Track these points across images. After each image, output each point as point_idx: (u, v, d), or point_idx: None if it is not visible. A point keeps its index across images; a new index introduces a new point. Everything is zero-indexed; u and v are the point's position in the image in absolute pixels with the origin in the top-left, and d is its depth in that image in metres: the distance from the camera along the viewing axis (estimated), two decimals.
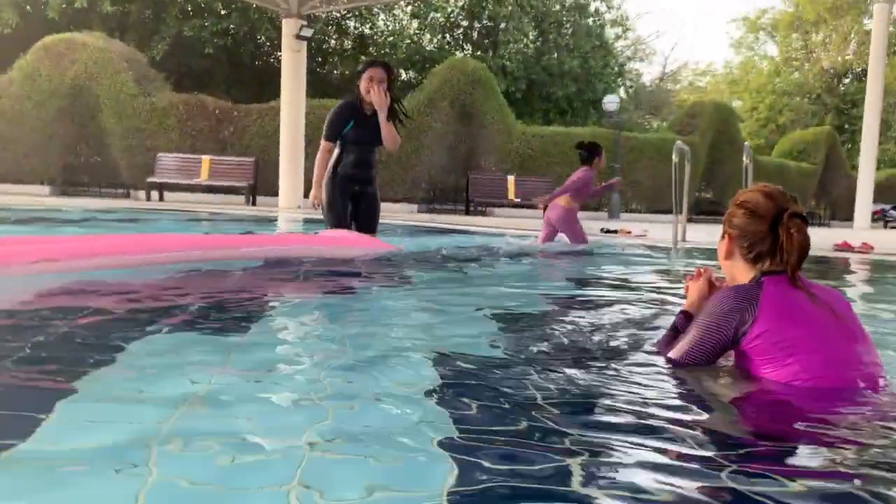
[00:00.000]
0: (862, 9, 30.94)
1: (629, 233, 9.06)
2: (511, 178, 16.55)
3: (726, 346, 1.72)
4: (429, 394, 1.51)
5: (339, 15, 23.91)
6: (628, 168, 17.98)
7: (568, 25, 26.07)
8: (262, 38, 22.74)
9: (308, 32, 13.46)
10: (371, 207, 4.70)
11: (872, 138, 18.85)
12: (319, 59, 23.83)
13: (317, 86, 20.68)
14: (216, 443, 1.17)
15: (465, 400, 1.46)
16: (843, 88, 33.93)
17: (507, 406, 1.45)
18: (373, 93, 4.33)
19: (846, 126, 30.96)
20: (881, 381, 1.63)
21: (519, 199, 16.28)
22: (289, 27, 13.54)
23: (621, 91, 29.06)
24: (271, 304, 2.75)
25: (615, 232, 9.20)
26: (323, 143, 4.57)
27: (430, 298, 2.99)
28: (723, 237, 1.84)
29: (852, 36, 33.87)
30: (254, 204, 14.59)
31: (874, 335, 1.80)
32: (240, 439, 1.19)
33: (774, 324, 1.64)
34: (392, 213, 13.76)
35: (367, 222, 4.65)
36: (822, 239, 8.10)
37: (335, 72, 24.79)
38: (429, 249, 5.66)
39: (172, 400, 1.37)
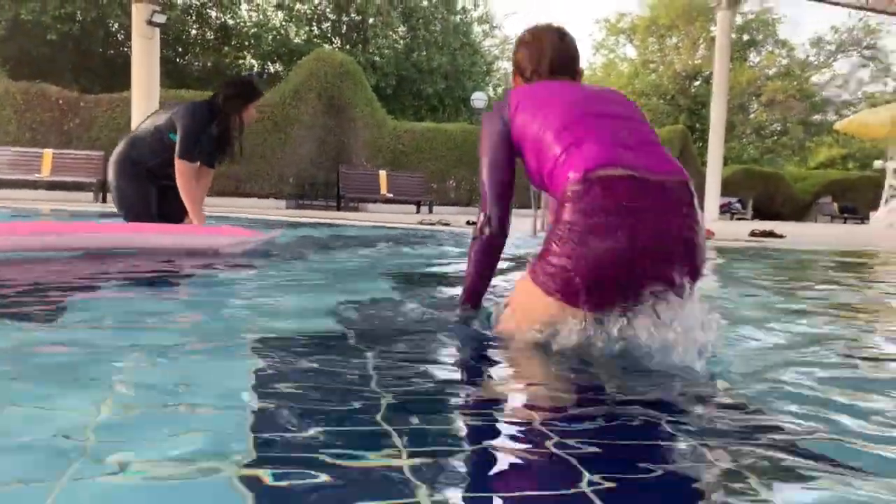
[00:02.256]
0: (709, 16, 33.21)
1: None
2: (383, 174, 16.40)
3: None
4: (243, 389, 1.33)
5: (199, 3, 22.78)
6: None
7: (436, 22, 26.23)
8: (115, 24, 21.26)
9: (161, 19, 12.65)
10: (180, 202, 4.27)
11: (718, 137, 20.30)
12: (179, 48, 22.62)
13: (175, 76, 19.62)
14: None
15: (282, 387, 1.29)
16: (694, 90, 36.35)
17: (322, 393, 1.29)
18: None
19: (697, 125, 33.15)
20: None
21: (391, 195, 16.17)
22: (139, 12, 12.67)
23: (490, 89, 29.62)
24: (96, 290, 2.46)
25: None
26: (186, 164, 3.96)
27: (276, 286, 2.78)
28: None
29: (701, 41, 36.35)
30: (103, 201, 13.56)
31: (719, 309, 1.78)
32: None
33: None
34: (258, 209, 13.23)
35: (177, 217, 4.22)
36: None
37: (196, 63, 23.61)
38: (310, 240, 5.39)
39: None
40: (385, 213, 14.77)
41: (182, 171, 3.95)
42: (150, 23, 12.59)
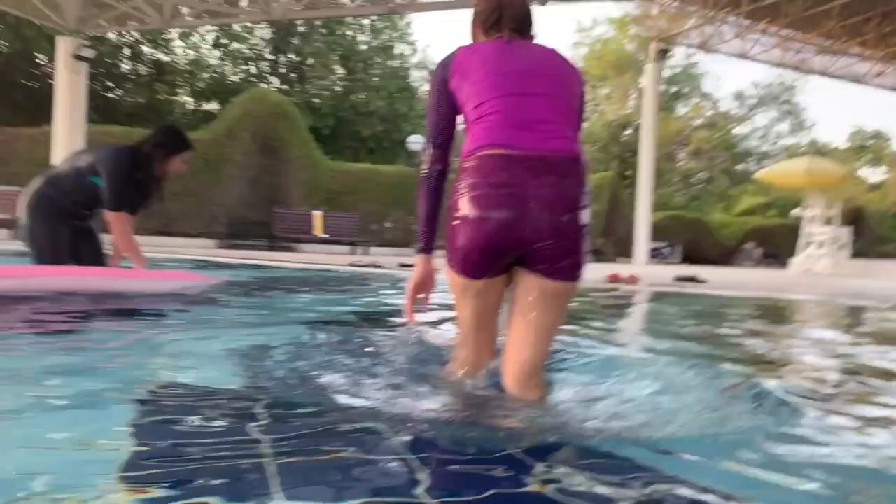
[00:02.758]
0: (638, 68, 34.65)
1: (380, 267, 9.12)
2: (318, 214, 16.24)
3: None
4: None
5: (132, 39, 22.41)
6: None
7: (375, 66, 26.51)
8: (44, 57, 20.66)
9: (88, 53, 12.38)
10: (97, 244, 4.12)
11: (647, 184, 20.98)
12: (110, 83, 22.12)
13: (105, 111, 19.15)
14: None
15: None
16: (624, 138, 37.65)
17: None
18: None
19: (628, 172, 34.24)
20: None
21: (326, 235, 16.01)
22: (65, 46, 12.37)
23: None
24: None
25: (412, 266, 9.22)
26: (122, 215, 3.82)
27: (188, 334, 2.66)
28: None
29: (631, 92, 37.83)
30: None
31: (633, 346, 1.80)
32: None
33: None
34: (187, 248, 12.88)
35: (93, 259, 4.04)
36: (598, 272, 8.68)
37: (128, 98, 23.11)
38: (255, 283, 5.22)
39: None
40: (318, 254, 14.59)
41: (117, 222, 3.81)
42: (77, 57, 12.31)
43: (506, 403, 1.65)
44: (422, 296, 1.93)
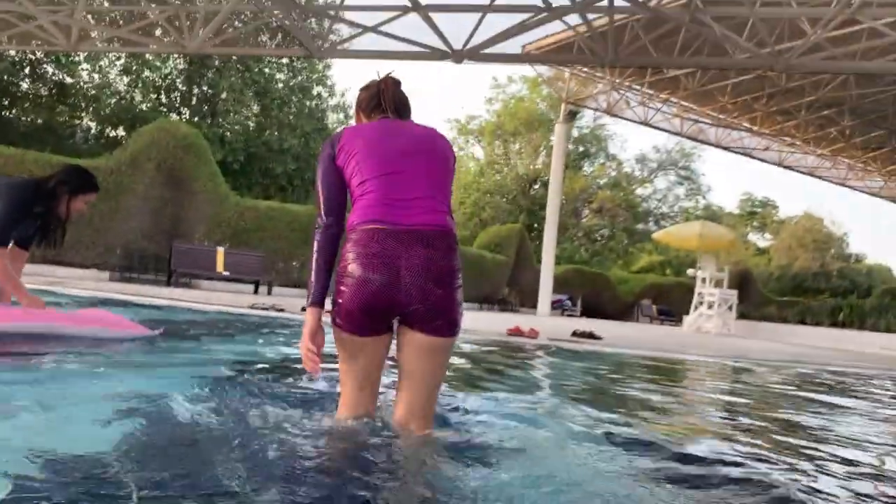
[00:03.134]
0: (549, 126, 36.06)
1: (328, 312, 9.01)
2: (221, 250, 15.78)
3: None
4: None
5: (33, 57, 21.40)
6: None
7: (291, 105, 26.38)
8: None
9: None
10: None
11: (552, 238, 21.73)
12: (6, 101, 20.99)
13: None
14: None
15: None
16: (533, 192, 38.85)
17: None
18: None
19: (535, 225, 35.27)
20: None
21: (228, 273, 15.56)
22: None
23: None
24: None
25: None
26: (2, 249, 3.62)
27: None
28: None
29: (542, 149, 39.22)
30: None
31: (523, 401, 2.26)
32: None
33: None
34: (77, 280, 12.21)
35: None
36: (499, 324, 8.84)
37: (25, 118, 21.95)
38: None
39: None
40: (220, 292, 14.14)
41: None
42: None
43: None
44: (313, 348, 2.01)
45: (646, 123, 23.64)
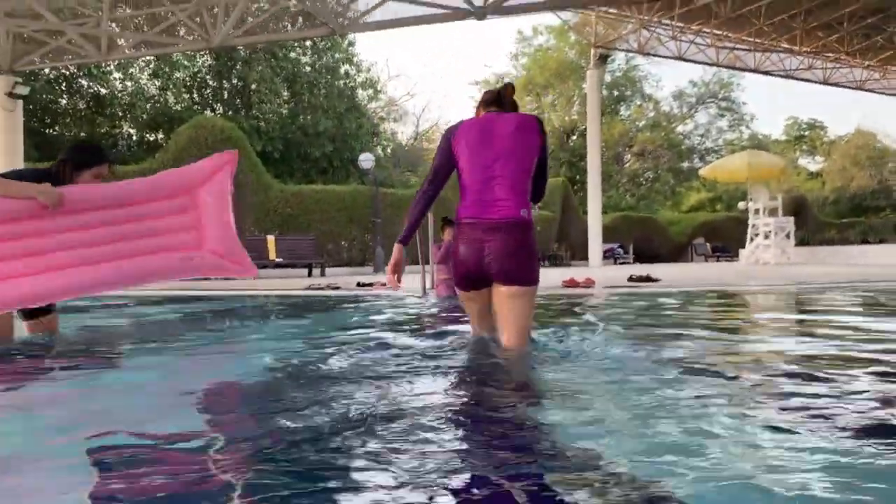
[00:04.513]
0: (580, 74, 35.34)
1: (384, 285, 9.14)
2: (271, 238, 16.09)
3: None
4: None
5: (68, 73, 21.94)
6: (388, 222, 18.44)
7: (320, 87, 26.45)
8: None
9: (23, 90, 12.11)
10: None
11: (596, 187, 21.39)
12: (47, 119, 21.60)
13: (45, 148, 18.67)
14: None
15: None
16: (571, 143, 38.28)
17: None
18: None
19: (577, 177, 34.83)
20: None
21: (281, 259, 15.86)
22: (0, 85, 12.08)
23: (378, 150, 29.98)
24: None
25: (370, 285, 9.24)
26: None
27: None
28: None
29: (575, 98, 38.50)
30: None
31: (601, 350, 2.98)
32: None
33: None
34: None
35: None
36: (554, 278, 8.82)
37: (67, 133, 22.58)
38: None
39: None
40: (274, 279, 14.45)
41: None
42: (11, 95, 12.03)
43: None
44: (395, 275, 2.96)
45: (680, 58, 22.93)
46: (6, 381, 2.53)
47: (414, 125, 40.00)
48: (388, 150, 33.48)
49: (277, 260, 15.81)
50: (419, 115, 46.00)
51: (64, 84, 22.44)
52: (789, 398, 1.94)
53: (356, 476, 1.35)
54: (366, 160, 19.62)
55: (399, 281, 2.93)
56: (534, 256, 2.79)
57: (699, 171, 25.18)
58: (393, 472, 1.35)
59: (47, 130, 21.94)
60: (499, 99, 3.00)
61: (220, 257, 3.88)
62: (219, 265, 3.89)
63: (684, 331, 3.73)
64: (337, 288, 9.00)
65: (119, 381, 2.57)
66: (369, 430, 1.64)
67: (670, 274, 10.94)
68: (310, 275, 15.91)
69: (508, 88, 3.03)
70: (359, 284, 9.44)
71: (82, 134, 22.60)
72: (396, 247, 2.90)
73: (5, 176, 3.57)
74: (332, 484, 1.30)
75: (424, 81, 71.65)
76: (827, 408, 1.80)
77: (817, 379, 2.20)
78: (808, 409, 1.80)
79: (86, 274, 3.42)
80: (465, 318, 3.11)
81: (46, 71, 20.33)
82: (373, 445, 1.52)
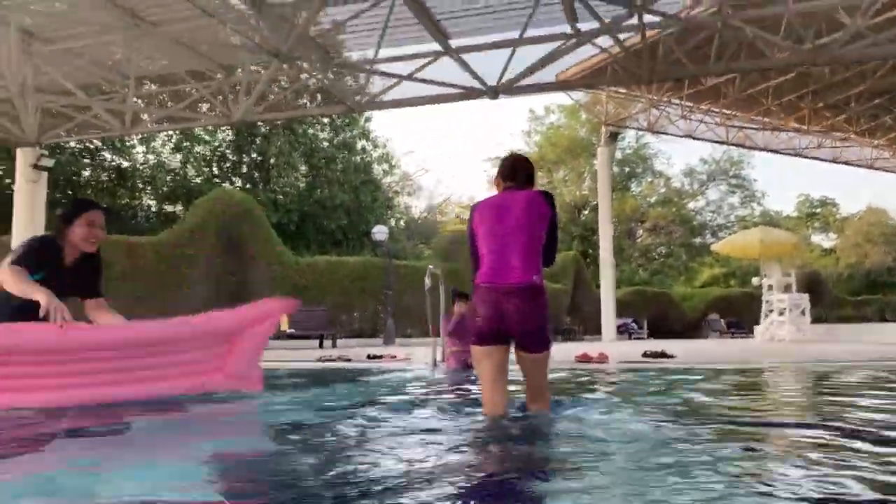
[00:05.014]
0: (591, 151, 35.94)
1: (394, 357, 9.07)
2: None
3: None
4: None
5: (92, 146, 22.58)
6: (400, 294, 18.46)
7: (338, 161, 27.02)
8: (2, 167, 20.66)
9: (48, 163, 12.43)
10: None
11: (608, 260, 21.39)
12: (70, 191, 22.10)
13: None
14: None
15: None
16: (583, 218, 38.58)
17: None
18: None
19: (590, 251, 34.93)
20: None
21: (293, 331, 15.83)
22: (24, 157, 12.42)
23: (392, 222, 30.34)
24: None
25: (380, 357, 9.18)
26: (9, 266, 3.53)
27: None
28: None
29: (586, 174, 39.05)
30: None
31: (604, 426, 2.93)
32: None
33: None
34: None
35: None
36: (567, 352, 8.73)
37: None
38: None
39: None
40: (287, 350, 14.39)
41: (7, 276, 3.50)
42: (36, 167, 12.34)
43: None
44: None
45: (690, 136, 23.32)
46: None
47: (427, 199, 40.56)
48: (402, 223, 33.86)
49: (290, 331, 15.78)
50: (433, 189, 46.68)
51: (87, 157, 23.07)
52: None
53: None
54: (379, 232, 19.82)
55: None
56: (546, 319, 3.08)
57: (711, 246, 25.21)
58: None
59: (63, 205, 22.44)
60: (513, 173, 3.29)
61: (234, 380, 3.91)
62: (229, 385, 3.91)
63: (705, 407, 3.66)
64: (348, 360, 8.93)
65: (126, 450, 2.54)
66: (374, 498, 1.61)
67: (686, 350, 10.80)
68: (321, 346, 15.84)
69: (519, 161, 3.34)
70: (369, 357, 9.37)
71: (103, 204, 23.06)
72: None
73: (26, 243, 3.65)
74: None
75: (438, 158, 73.03)
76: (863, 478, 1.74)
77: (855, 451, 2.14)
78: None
79: (87, 392, 3.47)
80: (476, 392, 3.26)
81: (72, 144, 20.94)
82: None
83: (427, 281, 7.13)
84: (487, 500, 1.71)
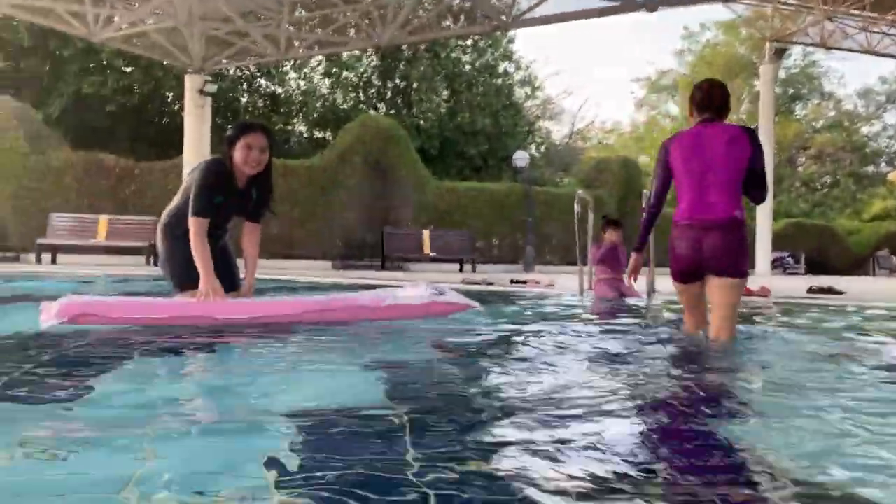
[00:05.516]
0: (751, 71, 33.18)
1: (537, 283, 9.02)
2: (426, 233, 16.49)
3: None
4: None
5: (249, 73, 23.72)
6: (541, 222, 18.28)
7: (479, 85, 26.72)
8: (169, 94, 22.25)
9: (212, 88, 13.20)
10: (228, 262, 4.19)
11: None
12: (229, 115, 23.48)
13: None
14: None
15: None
16: None
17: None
18: None
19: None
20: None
21: (434, 254, 16.19)
22: (192, 83, 13.24)
23: (532, 148, 29.82)
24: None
25: (524, 282, 9.16)
26: (197, 220, 3.72)
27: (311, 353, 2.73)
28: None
29: (744, 96, 36.20)
30: (155, 264, 13.90)
31: (779, 364, 2.80)
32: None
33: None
34: (305, 270, 13.38)
35: (223, 278, 4.04)
36: None
37: None
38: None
39: None
40: (428, 273, 14.77)
41: (193, 229, 3.73)
42: (201, 92, 13.14)
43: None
44: (633, 277, 3.67)
45: (870, 52, 20.84)
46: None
47: (570, 124, 39.36)
48: (542, 149, 33.23)
49: (431, 254, 16.15)
50: (575, 113, 45.21)
51: (245, 83, 24.28)
52: None
53: (520, 466, 1.28)
54: (520, 158, 19.55)
55: (636, 279, 3.81)
56: (745, 251, 3.13)
57: (887, 175, 22.77)
58: (561, 470, 1.27)
59: (228, 126, 23.88)
60: (709, 102, 3.23)
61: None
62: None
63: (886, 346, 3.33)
64: (491, 284, 9.00)
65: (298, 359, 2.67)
66: (539, 421, 1.57)
67: (854, 288, 9.94)
68: (461, 270, 16.11)
69: (714, 88, 3.25)
70: (512, 282, 9.39)
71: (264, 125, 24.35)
72: (633, 256, 3.57)
73: (204, 172, 3.85)
74: (492, 468, 1.23)
75: (583, 79, 70.44)
76: None
77: None
78: None
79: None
80: (625, 317, 3.81)
81: (231, 71, 22.10)
82: (541, 437, 1.44)
83: (576, 207, 6.94)
84: (665, 418, 1.66)
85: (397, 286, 4.35)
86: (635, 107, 44.00)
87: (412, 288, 4.03)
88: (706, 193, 3.07)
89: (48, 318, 3.21)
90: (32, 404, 1.77)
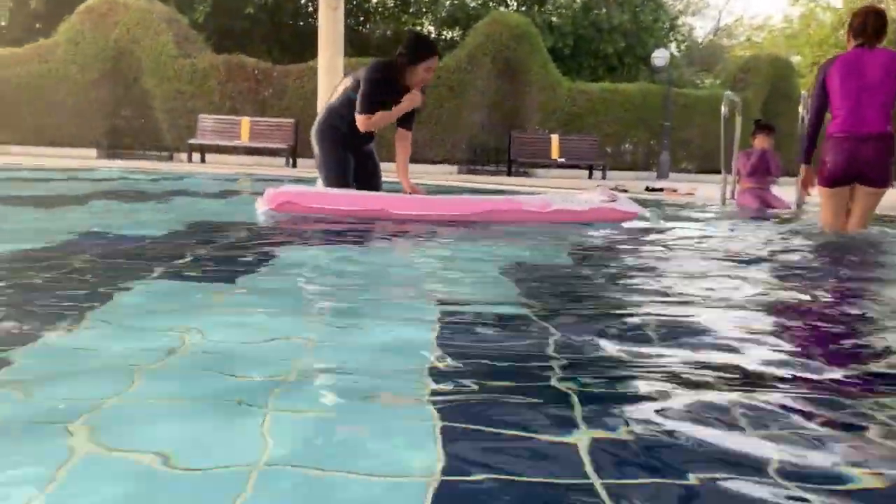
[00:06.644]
0: None
1: (675, 191, 8.62)
2: (555, 137, 16.06)
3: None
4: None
5: None
6: (679, 126, 17.31)
7: None
8: None
9: None
10: (375, 165, 4.44)
11: None
12: (361, 17, 23.49)
13: (357, 45, 20.38)
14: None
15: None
16: None
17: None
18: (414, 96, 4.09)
19: None
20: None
21: (563, 159, 15.80)
22: None
23: (673, 47, 27.86)
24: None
25: (660, 190, 8.78)
26: (364, 118, 4.04)
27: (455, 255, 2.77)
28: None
29: None
30: (294, 165, 14.52)
31: None
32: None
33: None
34: (430, 174, 13.51)
35: (369, 180, 4.34)
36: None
37: (377, 31, 24.40)
38: None
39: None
40: (555, 179, 14.49)
41: (363, 126, 4.04)
42: None
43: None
44: (806, 189, 4.24)
45: None
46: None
47: (715, 19, 36.27)
48: (683, 47, 30.98)
49: (560, 160, 15.78)
50: (722, 7, 41.54)
51: None
52: None
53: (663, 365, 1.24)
54: (660, 57, 18.37)
55: (810, 192, 4.23)
56: (891, 164, 3.67)
57: None
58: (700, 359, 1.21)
59: (360, 28, 23.88)
60: (864, 29, 3.71)
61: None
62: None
63: None
64: (625, 191, 8.68)
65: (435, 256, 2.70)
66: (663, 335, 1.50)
67: None
68: (590, 176, 15.67)
69: (870, 17, 3.69)
70: (647, 189, 9.02)
71: (388, 32, 24.22)
72: (803, 167, 4.09)
73: (376, 74, 4.01)
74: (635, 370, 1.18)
75: None
76: None
77: None
78: None
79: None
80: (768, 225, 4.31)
81: None
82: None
83: (724, 109, 6.44)
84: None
85: (570, 191, 4.61)
86: (786, 3, 39.58)
87: (586, 193, 4.32)
88: (862, 111, 3.60)
89: (261, 205, 3.75)
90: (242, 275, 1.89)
